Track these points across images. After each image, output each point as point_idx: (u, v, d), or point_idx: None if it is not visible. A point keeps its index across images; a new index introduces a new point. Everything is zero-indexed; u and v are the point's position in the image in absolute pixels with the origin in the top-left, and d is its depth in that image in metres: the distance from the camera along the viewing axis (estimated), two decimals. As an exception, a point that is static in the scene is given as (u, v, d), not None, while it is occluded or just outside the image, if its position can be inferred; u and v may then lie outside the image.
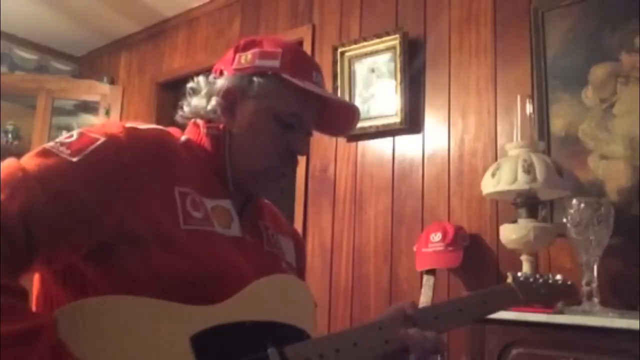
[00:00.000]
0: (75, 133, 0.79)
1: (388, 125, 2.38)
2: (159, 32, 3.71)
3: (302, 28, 2.82)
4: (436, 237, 2.04)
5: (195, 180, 0.86)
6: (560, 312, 1.44)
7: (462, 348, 1.61)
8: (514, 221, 1.76)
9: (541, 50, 2.00)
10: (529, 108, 1.89)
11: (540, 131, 1.94)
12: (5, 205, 0.67)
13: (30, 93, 3.72)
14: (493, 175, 1.78)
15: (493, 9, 2.19)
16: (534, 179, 1.66)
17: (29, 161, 0.74)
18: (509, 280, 1.08)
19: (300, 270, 1.06)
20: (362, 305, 2.34)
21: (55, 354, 0.62)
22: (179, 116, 0.98)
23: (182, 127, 0.96)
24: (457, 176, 2.17)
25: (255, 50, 0.93)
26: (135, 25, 3.77)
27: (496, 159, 2.01)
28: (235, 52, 0.95)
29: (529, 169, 1.67)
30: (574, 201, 1.59)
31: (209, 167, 0.90)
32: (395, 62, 2.39)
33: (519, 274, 1.09)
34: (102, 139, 0.77)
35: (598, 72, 1.87)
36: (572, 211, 1.58)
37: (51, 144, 0.77)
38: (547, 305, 1.10)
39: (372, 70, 2.49)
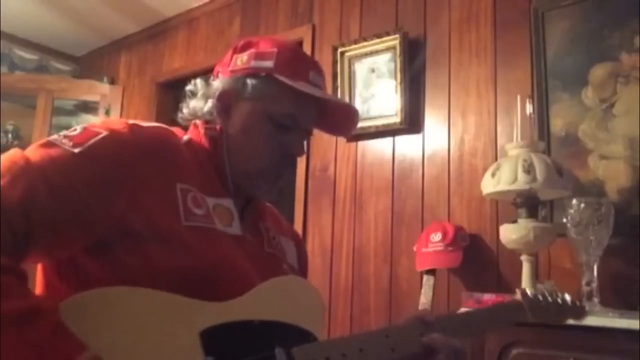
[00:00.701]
0: (79, 127, 0.80)
1: (388, 125, 2.38)
2: (159, 32, 3.71)
3: (302, 28, 2.82)
4: (436, 237, 2.04)
5: (197, 179, 0.86)
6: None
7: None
8: (514, 221, 1.76)
9: (541, 50, 2.00)
10: (529, 108, 1.89)
11: (540, 131, 1.94)
12: (6, 191, 0.67)
13: (30, 93, 3.72)
14: (493, 175, 1.78)
15: (493, 9, 2.19)
16: (534, 179, 1.66)
17: (33, 151, 0.74)
18: (518, 296, 1.07)
19: (302, 272, 1.06)
20: (362, 305, 2.34)
21: (56, 334, 0.62)
22: (179, 118, 0.99)
23: (185, 128, 0.97)
24: (457, 176, 2.17)
25: (252, 51, 0.93)
26: (135, 25, 3.77)
27: (496, 159, 2.01)
28: (233, 53, 0.96)
29: (529, 169, 1.67)
30: (574, 201, 1.59)
31: (210, 166, 0.91)
32: (395, 62, 2.39)
33: (528, 291, 1.09)
34: (105, 133, 0.78)
35: (598, 72, 1.87)
36: (572, 211, 1.58)
37: (55, 136, 0.78)
38: (555, 323, 1.10)
39: (372, 70, 2.49)
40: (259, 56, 0.92)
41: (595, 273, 1.54)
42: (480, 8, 2.22)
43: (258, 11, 3.09)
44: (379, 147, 2.44)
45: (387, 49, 2.43)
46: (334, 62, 2.57)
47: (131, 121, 0.84)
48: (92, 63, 4.23)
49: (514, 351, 1.47)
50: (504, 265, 1.97)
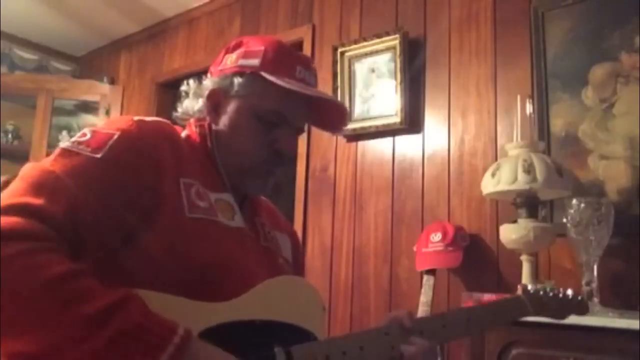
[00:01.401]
0: (87, 131, 0.81)
1: (388, 125, 2.38)
2: (159, 32, 3.71)
3: (302, 28, 2.82)
4: (436, 237, 2.04)
5: (198, 173, 0.88)
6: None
7: (462, 348, 1.61)
8: (514, 221, 1.76)
9: (541, 50, 2.00)
10: (529, 108, 1.89)
11: (540, 131, 1.94)
12: (49, 209, 0.68)
13: (30, 93, 3.72)
14: (493, 175, 1.78)
15: (493, 9, 2.19)
16: (534, 179, 1.66)
17: (54, 164, 0.75)
18: (519, 292, 1.07)
19: (298, 266, 1.07)
20: (362, 305, 2.34)
21: (150, 314, 0.64)
22: (174, 117, 1.01)
23: (183, 127, 0.99)
24: (457, 176, 2.17)
25: (241, 50, 0.95)
26: (135, 25, 3.77)
27: (496, 159, 2.01)
28: (225, 53, 0.98)
29: (529, 169, 1.67)
30: (574, 201, 1.59)
31: (208, 161, 0.93)
32: (395, 62, 2.39)
33: (530, 287, 1.09)
34: (118, 133, 0.80)
35: (598, 72, 1.87)
36: (572, 211, 1.58)
37: (68, 144, 0.79)
38: (557, 318, 1.10)
39: (372, 70, 2.49)
40: (247, 55, 0.94)
41: (595, 273, 1.54)
42: (480, 8, 2.22)
43: (258, 11, 3.09)
44: (379, 147, 2.44)
45: (387, 49, 2.43)
46: (334, 62, 2.57)
47: (135, 117, 0.86)
48: (92, 63, 4.23)
49: (514, 351, 1.47)
50: (504, 265, 1.97)
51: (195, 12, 3.46)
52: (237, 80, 0.93)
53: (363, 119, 2.47)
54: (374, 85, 2.48)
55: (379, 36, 2.45)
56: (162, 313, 0.65)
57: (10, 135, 3.82)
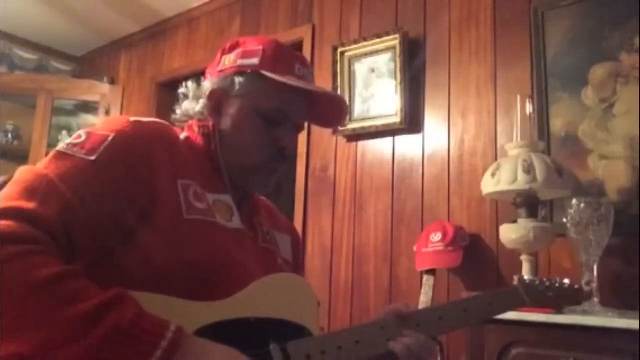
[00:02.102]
0: (82, 133, 0.81)
1: (388, 125, 2.38)
2: (159, 32, 3.71)
3: (302, 28, 2.82)
4: (436, 237, 2.04)
5: (196, 174, 0.88)
6: (560, 312, 1.44)
7: (462, 348, 1.61)
8: (514, 221, 1.76)
9: (541, 50, 2.00)
10: (529, 108, 1.89)
11: (540, 131, 1.94)
12: (42, 213, 0.68)
13: (30, 93, 3.72)
14: (493, 175, 1.78)
15: (493, 8, 2.19)
16: (534, 179, 1.66)
17: (48, 167, 0.75)
18: (515, 282, 1.08)
19: (297, 267, 1.07)
20: (362, 305, 2.34)
21: (143, 313, 0.64)
22: (172, 119, 1.01)
23: (182, 129, 0.99)
24: (457, 176, 2.17)
25: (239, 50, 0.96)
26: (135, 25, 3.77)
27: (496, 159, 2.01)
28: (222, 54, 0.98)
29: (529, 169, 1.67)
30: (574, 201, 1.59)
31: (207, 163, 0.93)
32: (395, 62, 2.39)
33: (526, 277, 1.09)
34: (112, 135, 0.80)
35: (598, 72, 1.87)
36: (572, 211, 1.58)
37: (63, 146, 0.79)
38: (554, 307, 1.10)
39: (372, 70, 2.49)
40: (245, 54, 0.94)
41: (595, 273, 1.54)
42: (480, 8, 2.22)
43: (258, 11, 3.09)
44: (379, 147, 2.44)
45: (387, 49, 2.43)
46: (334, 62, 2.57)
47: (132, 118, 0.85)
48: (92, 63, 4.23)
49: (514, 351, 1.47)
50: (504, 265, 1.97)
51: (195, 12, 3.46)
52: (238, 79, 0.93)
53: (363, 119, 2.47)
54: (374, 85, 2.48)
55: (379, 36, 2.45)
56: (156, 313, 0.66)
57: (10, 135, 3.82)
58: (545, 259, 1.88)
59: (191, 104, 0.98)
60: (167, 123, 0.93)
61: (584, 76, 1.90)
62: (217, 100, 0.95)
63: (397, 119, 2.35)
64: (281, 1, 2.98)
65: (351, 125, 2.46)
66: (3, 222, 0.65)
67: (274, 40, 0.98)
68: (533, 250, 1.75)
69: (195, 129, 0.95)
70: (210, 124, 0.94)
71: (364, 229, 2.41)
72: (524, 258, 1.74)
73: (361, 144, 2.50)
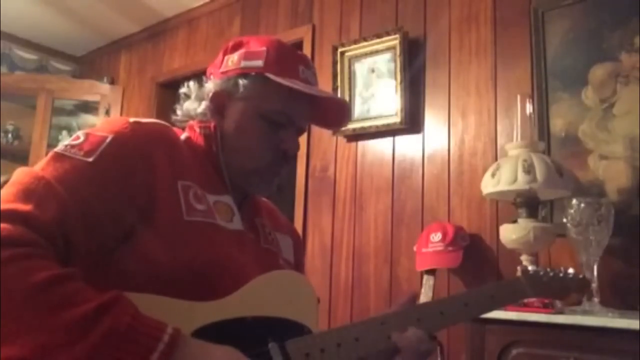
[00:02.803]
0: (81, 134, 0.80)
1: (388, 125, 2.38)
2: (159, 32, 3.71)
3: (302, 28, 2.82)
4: (436, 237, 2.04)
5: (196, 175, 0.87)
6: (560, 312, 1.44)
7: (462, 348, 1.61)
8: (514, 221, 1.76)
9: (541, 50, 2.00)
10: (529, 108, 1.89)
11: (540, 131, 1.94)
12: (38, 215, 0.67)
13: (30, 93, 3.72)
14: (493, 175, 1.78)
15: (493, 9, 2.19)
16: (534, 179, 1.66)
17: (45, 168, 0.74)
18: (519, 273, 1.07)
19: (298, 268, 1.06)
20: (362, 305, 2.34)
21: (139, 314, 0.64)
22: (173, 120, 1.00)
23: (182, 129, 0.98)
24: (457, 176, 2.17)
25: (242, 51, 0.95)
26: (135, 25, 3.77)
27: (496, 159, 2.01)
28: (224, 54, 0.97)
29: (529, 169, 1.67)
30: (574, 201, 1.59)
31: (208, 163, 0.92)
32: (395, 62, 2.39)
33: (530, 268, 1.08)
34: (111, 136, 0.79)
35: (598, 72, 1.87)
36: (572, 211, 1.58)
37: (61, 147, 0.78)
38: (558, 298, 1.09)
39: (372, 70, 2.49)
40: (249, 56, 0.93)
41: (595, 273, 1.54)
42: (480, 8, 2.22)
43: (258, 11, 3.09)
44: (379, 147, 2.44)
45: (387, 49, 2.43)
46: (334, 62, 2.57)
47: (131, 119, 0.85)
48: (92, 63, 4.23)
49: (514, 351, 1.47)
50: (504, 265, 1.97)
51: (195, 12, 3.46)
52: (242, 82, 0.92)
53: (363, 119, 2.47)
54: (374, 85, 2.48)
55: (379, 36, 2.45)
56: (153, 315, 0.65)
57: (10, 135, 3.82)
58: (545, 259, 1.88)
59: (193, 104, 0.97)
60: (166, 124, 0.92)
61: (584, 76, 1.90)
62: (219, 102, 0.94)
63: (397, 119, 2.35)
64: (281, 1, 2.98)
65: (351, 125, 2.46)
66: None
67: (277, 41, 0.98)
68: (533, 250, 1.75)
69: (197, 129, 0.94)
70: (212, 125, 0.94)
71: (364, 229, 2.41)
72: (524, 258, 1.74)
73: (361, 144, 2.50)
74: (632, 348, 1.28)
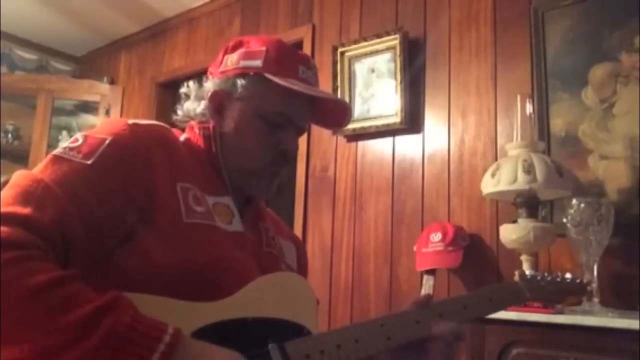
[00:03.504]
0: (79, 137, 0.80)
1: (388, 125, 2.38)
2: (159, 32, 3.71)
3: (302, 28, 2.82)
4: (436, 237, 2.04)
5: (196, 177, 0.87)
6: (560, 312, 1.44)
7: (462, 348, 1.61)
8: (514, 221, 1.76)
9: (541, 50, 2.00)
10: (529, 108, 1.89)
11: (540, 131, 1.94)
12: (37, 217, 0.67)
13: (30, 93, 3.72)
14: (493, 175, 1.78)
15: (493, 9, 2.19)
16: (534, 179, 1.66)
17: (44, 171, 0.74)
18: (516, 277, 1.07)
19: (300, 274, 1.06)
20: (362, 306, 2.34)
21: (140, 315, 0.64)
22: (174, 120, 1.00)
23: (182, 129, 0.98)
24: (457, 176, 2.17)
25: (241, 51, 0.94)
26: (135, 25, 3.77)
27: (496, 159, 2.01)
28: (224, 54, 0.97)
29: (529, 169, 1.67)
30: (574, 201, 1.59)
31: (208, 165, 0.92)
32: (395, 62, 2.39)
33: (527, 271, 1.09)
34: (110, 138, 0.79)
35: (598, 72, 1.87)
36: (572, 211, 1.58)
37: (59, 150, 0.78)
38: (555, 302, 1.10)
39: (372, 70, 2.49)
40: (248, 55, 0.93)
41: (595, 273, 1.54)
42: (480, 8, 2.22)
43: (258, 11, 3.09)
44: (379, 147, 2.44)
45: (387, 49, 2.43)
46: (334, 62, 2.57)
47: (130, 120, 0.84)
48: (92, 63, 4.23)
49: (514, 351, 1.47)
50: (504, 265, 1.97)
51: (195, 12, 3.46)
52: (240, 82, 0.92)
53: (363, 119, 2.47)
54: (374, 85, 2.48)
55: (379, 36, 2.45)
56: (153, 315, 0.65)
57: (10, 135, 3.82)
58: (545, 259, 1.88)
59: (193, 104, 0.97)
60: (165, 125, 0.91)
61: (584, 76, 1.90)
62: (218, 102, 0.93)
63: (397, 119, 2.35)
64: (281, 1, 2.98)
65: (351, 125, 2.46)
66: None
67: (278, 40, 0.97)
68: (533, 250, 1.75)
69: (196, 130, 0.94)
70: (211, 125, 0.93)
71: (364, 229, 2.41)
72: (524, 258, 1.74)
73: (361, 144, 2.50)
74: (632, 348, 1.28)
